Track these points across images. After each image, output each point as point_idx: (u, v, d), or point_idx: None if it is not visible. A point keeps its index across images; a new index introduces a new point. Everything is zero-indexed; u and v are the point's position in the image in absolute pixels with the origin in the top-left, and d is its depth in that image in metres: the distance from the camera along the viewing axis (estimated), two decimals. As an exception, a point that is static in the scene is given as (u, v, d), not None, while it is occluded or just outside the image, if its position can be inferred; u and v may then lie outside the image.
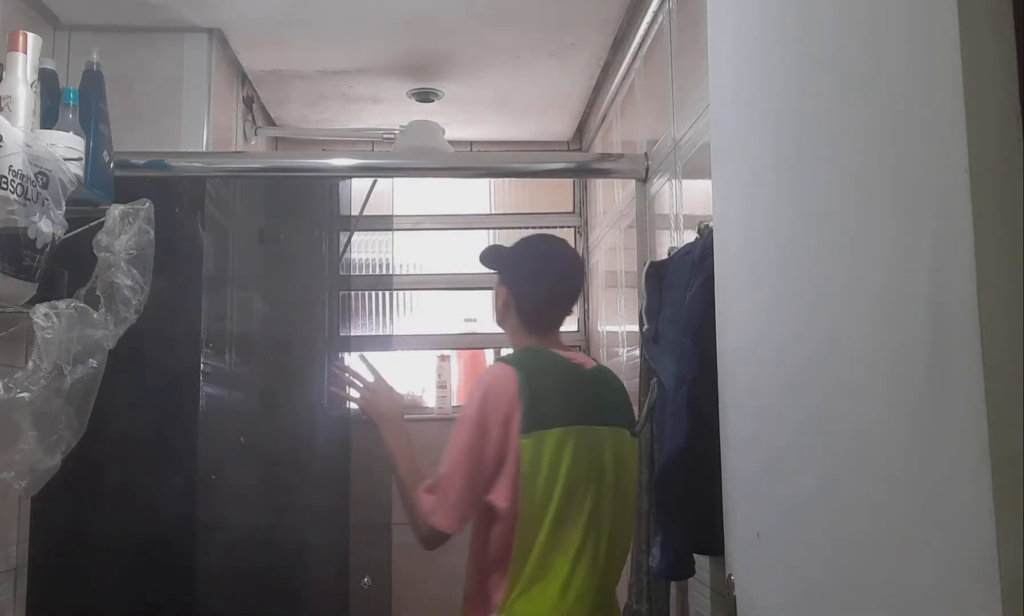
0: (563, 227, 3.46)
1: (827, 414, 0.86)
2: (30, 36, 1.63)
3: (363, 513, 2.54)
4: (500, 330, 1.81)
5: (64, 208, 1.58)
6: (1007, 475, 0.59)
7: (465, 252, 3.41)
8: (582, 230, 3.41)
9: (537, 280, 1.74)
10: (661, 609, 1.81)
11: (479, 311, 3.33)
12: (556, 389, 1.63)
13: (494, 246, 1.91)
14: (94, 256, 1.61)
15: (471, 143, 3.37)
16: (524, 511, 1.57)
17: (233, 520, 2.10)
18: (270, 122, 3.11)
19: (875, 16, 0.78)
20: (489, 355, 3.26)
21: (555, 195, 3.47)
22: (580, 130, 3.31)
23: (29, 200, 1.50)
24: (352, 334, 2.75)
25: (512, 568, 1.58)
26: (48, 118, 1.66)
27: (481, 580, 1.63)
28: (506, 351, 1.83)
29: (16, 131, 1.51)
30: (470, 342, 3.29)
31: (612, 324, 2.85)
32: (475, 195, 3.45)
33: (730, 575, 1.13)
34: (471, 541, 1.65)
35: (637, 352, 2.08)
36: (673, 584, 1.86)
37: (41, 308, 1.49)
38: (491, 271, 1.83)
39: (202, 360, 2.00)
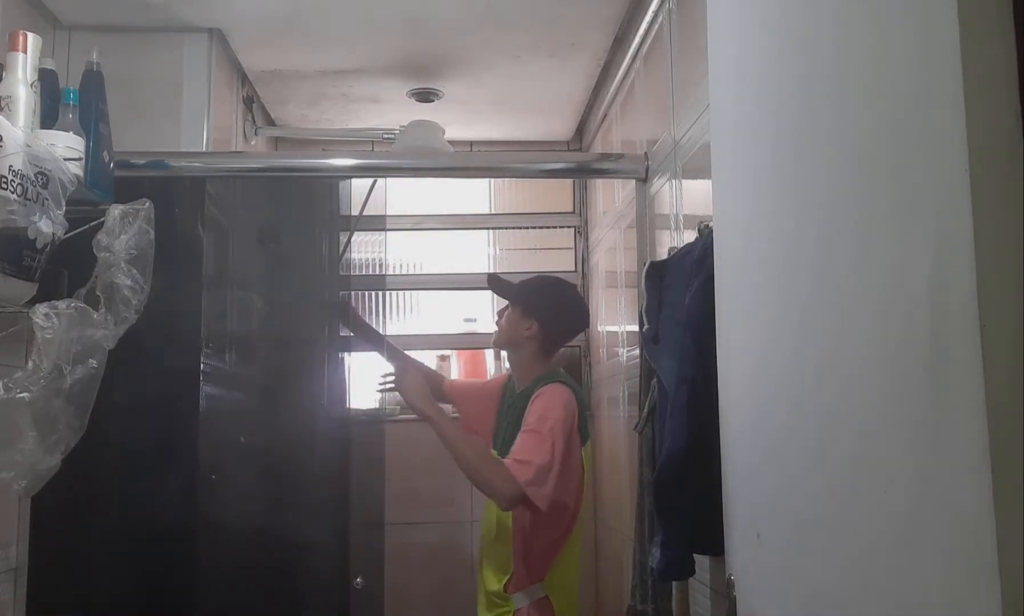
0: (563, 227, 3.46)
1: (827, 414, 0.86)
2: (30, 36, 1.63)
3: (361, 513, 2.54)
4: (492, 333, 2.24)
5: (64, 208, 1.58)
6: (1007, 475, 0.59)
7: (465, 252, 3.41)
8: (582, 230, 3.41)
9: (566, 321, 2.24)
10: (666, 609, 1.81)
11: (479, 311, 3.33)
12: (583, 407, 2.14)
13: (504, 281, 2.33)
14: (94, 256, 1.61)
15: (471, 143, 3.37)
16: (581, 506, 2.07)
17: (233, 520, 2.10)
18: (270, 122, 3.11)
19: (875, 16, 0.78)
20: (489, 355, 3.26)
21: (555, 195, 3.47)
22: (580, 130, 3.31)
23: (29, 200, 1.50)
24: (352, 334, 2.75)
25: (566, 549, 2.08)
26: (48, 118, 1.66)
27: (530, 558, 2.04)
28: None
29: (16, 131, 1.51)
30: (470, 342, 3.29)
31: (612, 324, 2.85)
32: (475, 195, 3.45)
33: (730, 575, 1.13)
34: (529, 528, 2.03)
35: (637, 352, 2.08)
36: (674, 584, 1.86)
37: (41, 308, 1.49)
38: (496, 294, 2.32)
39: (202, 360, 2.00)
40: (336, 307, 2.63)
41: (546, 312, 2.18)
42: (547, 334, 2.18)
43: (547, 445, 1.95)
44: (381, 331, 3.25)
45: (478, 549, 2.26)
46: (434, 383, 2.39)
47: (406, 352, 2.56)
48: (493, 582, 2.09)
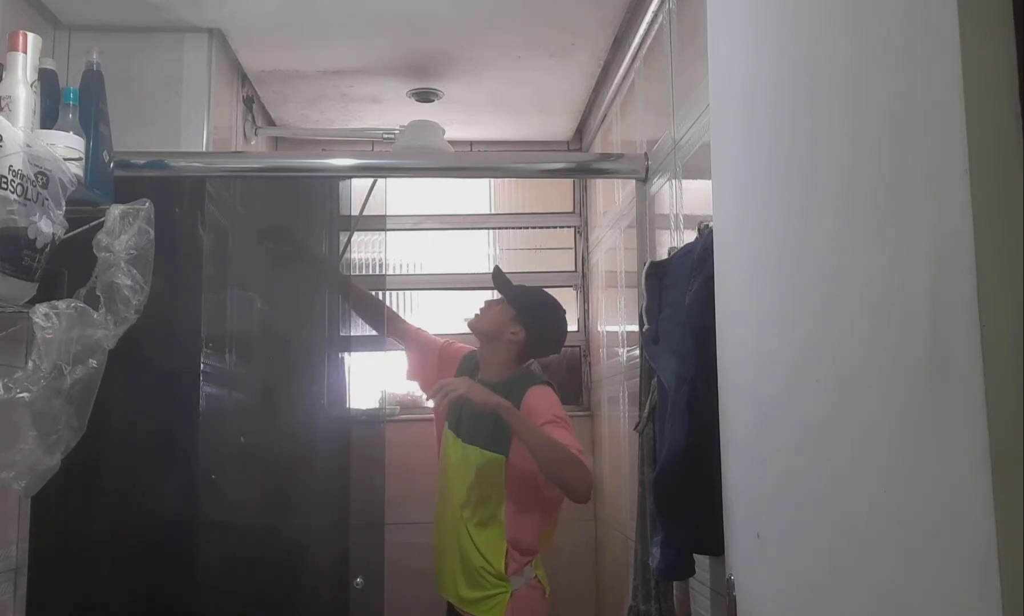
0: (563, 227, 3.46)
1: (827, 414, 0.86)
2: (30, 36, 1.63)
3: (361, 513, 2.54)
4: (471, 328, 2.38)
5: (64, 208, 1.58)
6: (1007, 475, 0.59)
7: (465, 252, 3.41)
8: (582, 230, 3.41)
9: (548, 342, 2.38)
10: (669, 610, 1.81)
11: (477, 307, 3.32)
12: None
13: (507, 279, 2.41)
14: (94, 256, 1.61)
15: (471, 143, 3.37)
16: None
17: (233, 520, 2.09)
18: (270, 122, 3.11)
19: (874, 16, 0.78)
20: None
21: (555, 195, 3.46)
22: (580, 130, 3.31)
23: (29, 200, 1.50)
24: (352, 334, 2.75)
25: (550, 527, 2.25)
26: (48, 118, 1.66)
27: (524, 540, 2.17)
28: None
29: (16, 131, 1.51)
30: (470, 342, 3.28)
31: (612, 324, 2.85)
32: (475, 195, 3.45)
33: (730, 576, 1.13)
34: (527, 504, 2.16)
35: (637, 352, 2.08)
36: (674, 584, 1.86)
37: (41, 308, 1.49)
38: (497, 289, 2.42)
39: (202, 360, 1.99)
40: (336, 283, 2.64)
41: (536, 327, 2.31)
42: (528, 345, 2.32)
43: (572, 438, 2.08)
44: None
45: (442, 527, 2.30)
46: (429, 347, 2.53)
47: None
48: (487, 563, 2.16)
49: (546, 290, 2.47)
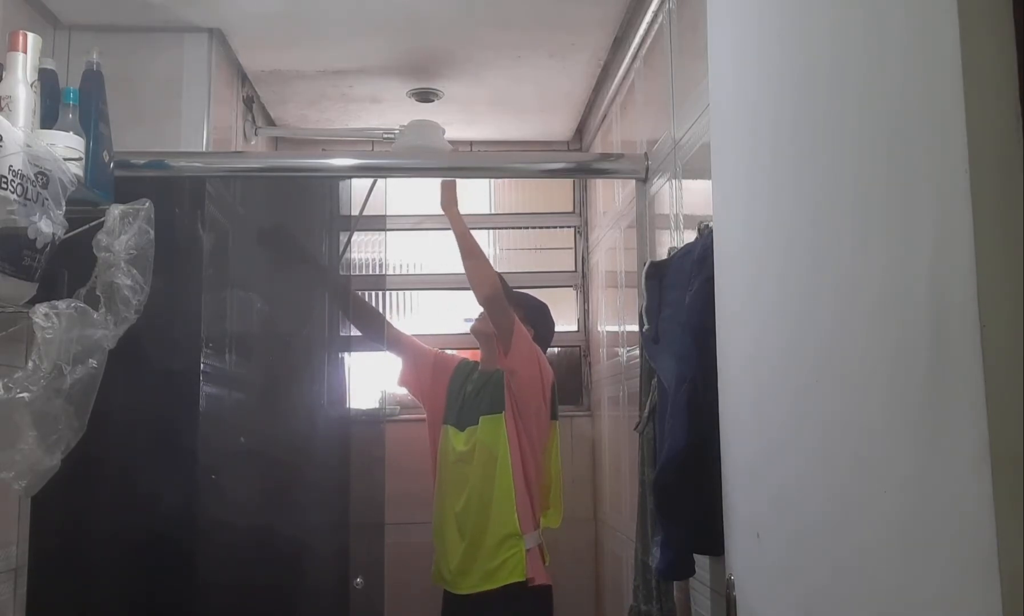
0: (563, 227, 3.46)
1: (827, 414, 0.86)
2: (30, 36, 1.63)
3: (361, 513, 2.54)
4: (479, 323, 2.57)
5: (64, 208, 1.58)
6: (1007, 475, 0.59)
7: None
8: (582, 230, 3.41)
9: (546, 341, 2.65)
10: (670, 609, 1.80)
11: (478, 311, 3.31)
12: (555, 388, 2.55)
13: (508, 285, 2.62)
14: (94, 256, 1.61)
15: (471, 143, 3.37)
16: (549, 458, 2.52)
17: (233, 520, 2.10)
18: (270, 122, 3.11)
19: (874, 16, 0.78)
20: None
21: (555, 195, 3.46)
22: (580, 130, 3.31)
23: (29, 200, 1.50)
24: (352, 334, 2.75)
25: (548, 496, 2.49)
26: (48, 118, 1.66)
27: (529, 503, 2.37)
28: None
29: (16, 131, 1.51)
30: (470, 342, 3.28)
31: (612, 324, 2.85)
32: (475, 195, 3.44)
33: (730, 575, 1.13)
34: (524, 476, 2.36)
35: (637, 352, 2.08)
36: (674, 584, 1.86)
37: (41, 308, 1.49)
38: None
39: (202, 360, 1.99)
40: (337, 289, 2.67)
41: (540, 327, 2.62)
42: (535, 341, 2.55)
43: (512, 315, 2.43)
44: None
45: (446, 520, 2.42)
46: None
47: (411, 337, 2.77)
48: (502, 527, 2.33)
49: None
